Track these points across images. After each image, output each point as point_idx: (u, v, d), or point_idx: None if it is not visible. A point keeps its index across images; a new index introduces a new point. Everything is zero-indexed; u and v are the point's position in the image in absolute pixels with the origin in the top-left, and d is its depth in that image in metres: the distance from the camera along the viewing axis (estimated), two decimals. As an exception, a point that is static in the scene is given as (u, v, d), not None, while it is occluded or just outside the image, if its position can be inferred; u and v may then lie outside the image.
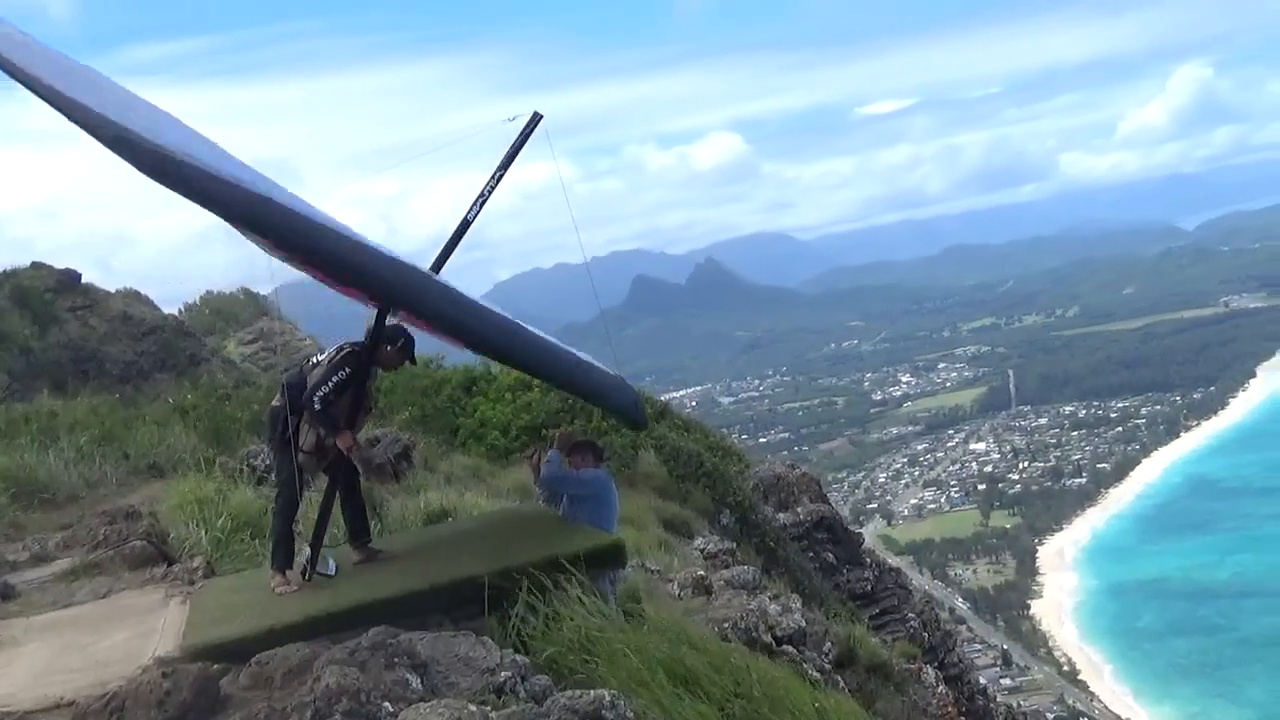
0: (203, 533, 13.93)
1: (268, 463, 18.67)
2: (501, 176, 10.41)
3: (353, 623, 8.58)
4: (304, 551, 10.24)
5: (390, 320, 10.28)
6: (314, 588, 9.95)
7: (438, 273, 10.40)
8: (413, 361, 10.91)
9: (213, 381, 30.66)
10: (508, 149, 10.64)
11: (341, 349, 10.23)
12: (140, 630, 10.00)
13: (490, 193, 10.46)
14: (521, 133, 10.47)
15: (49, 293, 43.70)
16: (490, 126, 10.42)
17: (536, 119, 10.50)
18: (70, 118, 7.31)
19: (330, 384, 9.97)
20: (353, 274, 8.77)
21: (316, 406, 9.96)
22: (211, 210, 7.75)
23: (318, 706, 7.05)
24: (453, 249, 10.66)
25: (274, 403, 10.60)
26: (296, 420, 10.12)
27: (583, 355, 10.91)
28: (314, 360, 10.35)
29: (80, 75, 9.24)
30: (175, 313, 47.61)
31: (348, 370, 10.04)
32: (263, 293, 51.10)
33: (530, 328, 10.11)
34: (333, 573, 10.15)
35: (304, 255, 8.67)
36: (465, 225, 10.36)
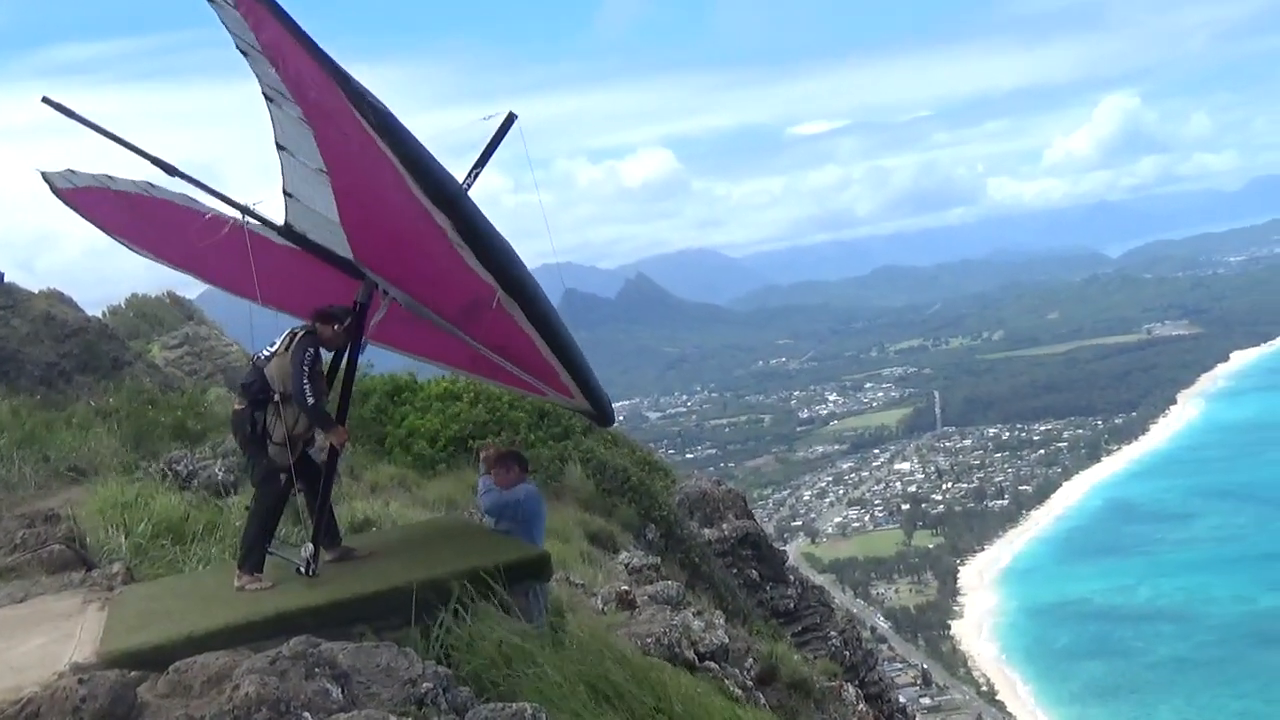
0: (123, 538, 13.77)
1: (191, 468, 18.55)
2: (477, 175, 10.36)
3: (274, 632, 8.54)
4: (306, 548, 10.24)
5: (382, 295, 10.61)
6: (238, 595, 9.90)
7: None
8: (359, 339, 10.87)
9: (136, 385, 30.32)
10: (482, 149, 10.55)
11: (295, 334, 10.24)
12: (57, 635, 9.87)
13: (466, 190, 10.43)
14: (497, 131, 10.40)
15: (-32, 292, 43.15)
16: (464, 126, 10.46)
17: (511, 119, 10.42)
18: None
19: (306, 369, 9.99)
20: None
21: (310, 400, 9.99)
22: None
23: (236, 715, 7.00)
24: None
25: (236, 406, 10.56)
26: (263, 416, 10.11)
27: None
28: (264, 354, 10.33)
29: None
30: (99, 315, 47.02)
31: (312, 350, 10.08)
32: (188, 297, 50.65)
33: None
34: (310, 573, 10.19)
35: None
36: None
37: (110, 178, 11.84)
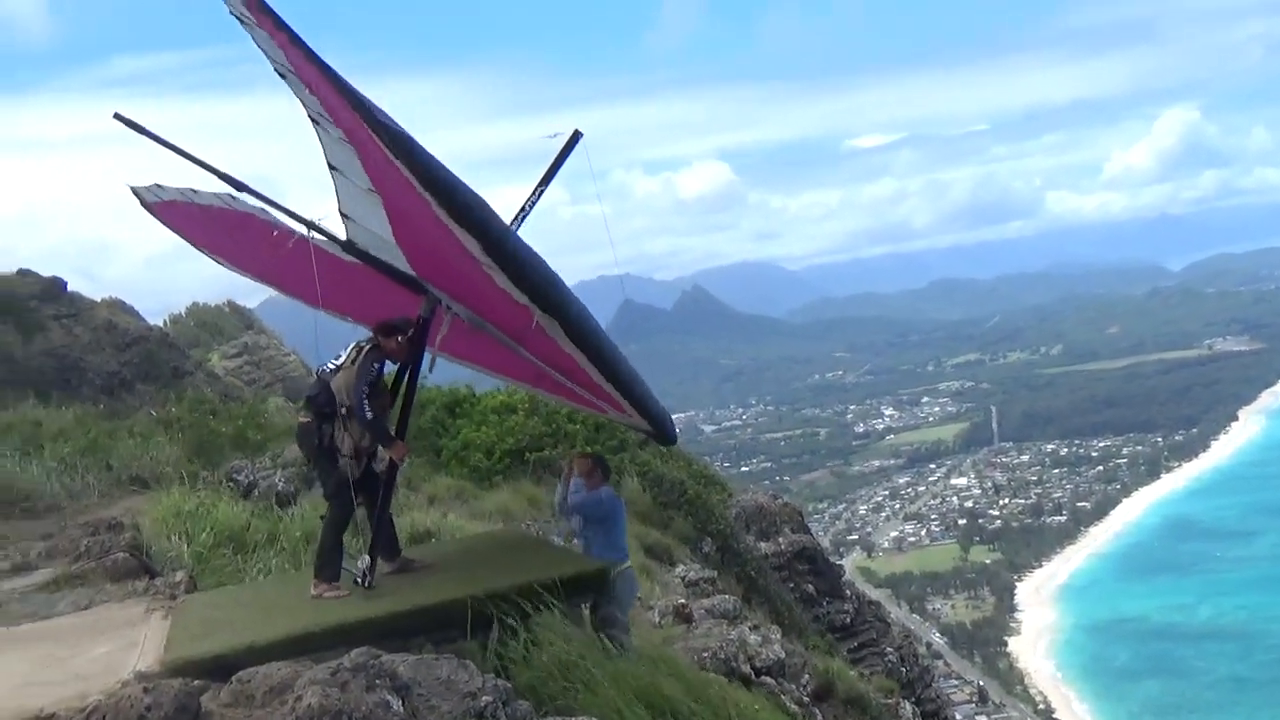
0: (185, 546, 13.92)
1: (252, 478, 18.69)
2: (542, 192, 10.41)
3: (335, 642, 8.60)
4: (363, 559, 10.27)
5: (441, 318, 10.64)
6: (299, 605, 9.96)
7: None
8: (420, 354, 10.89)
9: (197, 395, 30.56)
10: (548, 166, 10.53)
11: (360, 348, 10.27)
12: (121, 644, 9.96)
13: (531, 208, 10.40)
14: (563, 149, 10.37)
15: (34, 300, 43.59)
16: (524, 140, 10.48)
17: (577, 137, 10.41)
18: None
19: (367, 385, 10.04)
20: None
21: (369, 415, 10.06)
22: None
23: (299, 726, 7.07)
24: None
25: (301, 419, 10.62)
26: (330, 430, 10.19)
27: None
28: (329, 367, 10.36)
29: None
30: (160, 324, 47.45)
31: (377, 366, 10.13)
32: (248, 306, 51.05)
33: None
34: (368, 585, 10.24)
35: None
36: None
37: (194, 191, 11.98)
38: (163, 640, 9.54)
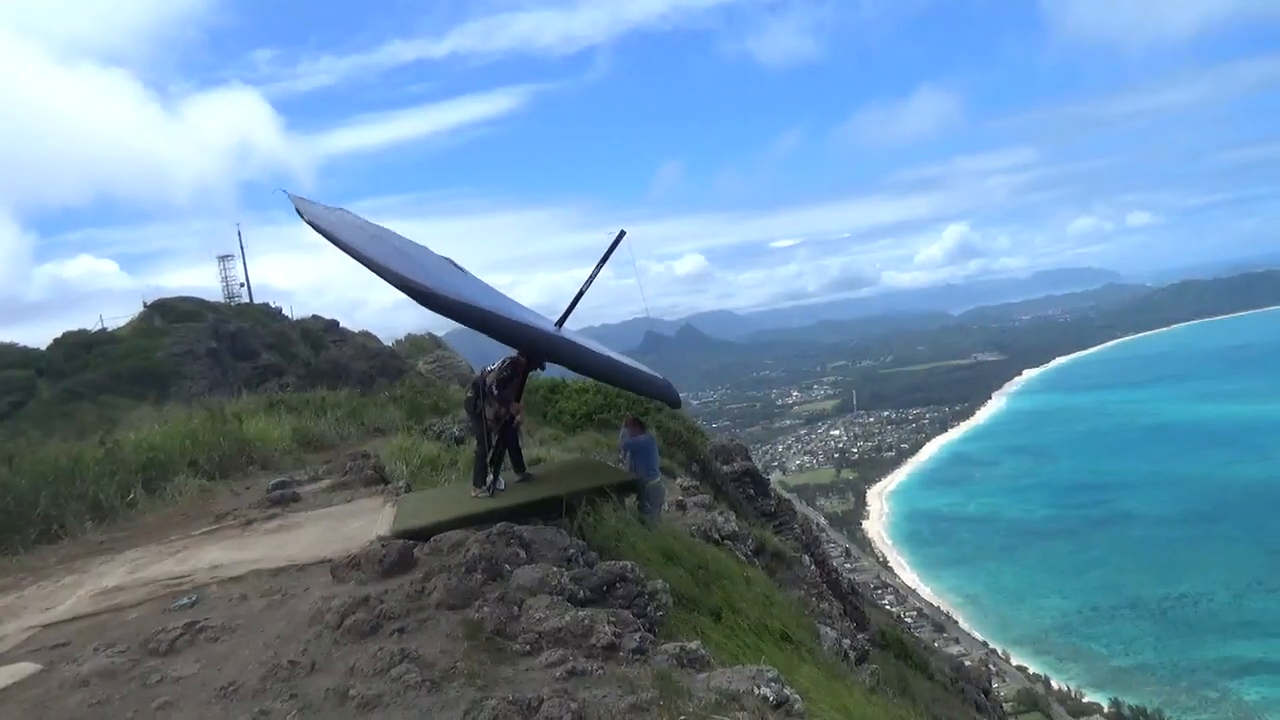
0: (404, 467, 13.94)
1: (441, 429, 18.58)
2: (600, 268, 9.93)
3: (487, 520, 8.57)
4: (491, 478, 10.09)
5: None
6: (466, 500, 9.90)
7: (562, 324, 10.11)
8: (541, 367, 10.43)
9: (411, 384, 30.74)
10: (602, 254, 9.92)
11: (504, 362, 10.14)
12: (369, 520, 10.00)
13: (594, 278, 9.90)
14: (613, 243, 9.78)
15: (321, 331, 43.89)
16: (593, 241, 10.01)
17: (621, 235, 9.82)
18: (383, 277, 7.14)
19: (503, 381, 9.88)
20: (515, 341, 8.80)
21: (498, 394, 9.87)
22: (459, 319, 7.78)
23: (469, 566, 7.06)
24: (571, 310, 10.23)
25: (467, 395, 10.53)
26: (481, 402, 10.08)
27: (643, 369, 10.80)
28: (486, 370, 10.29)
29: (383, 241, 8.63)
30: (391, 344, 47.73)
31: (508, 370, 9.96)
32: (440, 334, 51.15)
33: (616, 357, 9.85)
34: (503, 487, 10.07)
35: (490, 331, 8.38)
36: (579, 295, 10.00)
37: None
38: (392, 519, 9.55)
